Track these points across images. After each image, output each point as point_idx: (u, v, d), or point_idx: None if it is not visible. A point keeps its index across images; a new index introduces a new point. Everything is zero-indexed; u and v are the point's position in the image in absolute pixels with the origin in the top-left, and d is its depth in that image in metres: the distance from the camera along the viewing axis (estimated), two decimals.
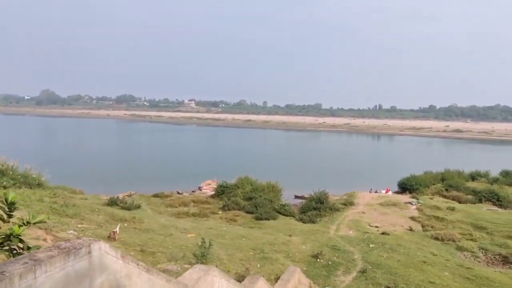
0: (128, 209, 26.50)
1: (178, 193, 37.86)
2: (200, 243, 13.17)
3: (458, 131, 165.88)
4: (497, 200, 33.05)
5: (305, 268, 16.15)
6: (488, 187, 35.87)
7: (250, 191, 32.94)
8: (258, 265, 16.07)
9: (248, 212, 28.11)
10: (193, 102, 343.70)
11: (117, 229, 18.11)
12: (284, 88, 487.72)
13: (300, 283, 12.85)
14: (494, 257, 20.47)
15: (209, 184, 42.36)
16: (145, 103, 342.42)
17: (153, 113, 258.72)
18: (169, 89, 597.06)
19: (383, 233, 23.03)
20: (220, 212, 29.01)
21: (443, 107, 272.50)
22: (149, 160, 70.03)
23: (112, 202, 27.60)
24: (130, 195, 33.54)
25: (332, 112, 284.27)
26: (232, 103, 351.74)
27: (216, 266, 12.99)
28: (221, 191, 33.60)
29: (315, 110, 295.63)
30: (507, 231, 23.91)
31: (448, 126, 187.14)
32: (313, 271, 16.25)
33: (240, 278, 9.35)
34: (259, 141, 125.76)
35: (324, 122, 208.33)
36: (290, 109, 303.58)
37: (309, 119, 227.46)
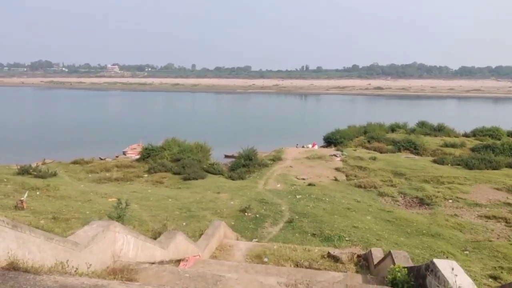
0: (42, 177, 24.41)
1: (101, 159, 35.58)
2: (116, 204, 12.10)
3: (379, 88, 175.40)
4: (414, 149, 35.33)
5: (232, 223, 15.83)
6: (406, 137, 38.15)
7: (178, 153, 31.86)
8: (184, 224, 15.46)
9: (175, 174, 27.19)
10: (116, 66, 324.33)
11: (25, 197, 16.34)
12: (213, 50, 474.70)
13: (226, 237, 12.42)
14: (412, 200, 21.80)
15: (134, 148, 40.32)
16: (63, 69, 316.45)
17: (73, 79, 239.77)
18: (90, 53, 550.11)
19: (309, 185, 23.47)
20: (146, 175, 27.73)
21: (365, 66, 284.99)
22: (69, 127, 65.14)
23: (24, 171, 25.28)
24: (44, 163, 30.78)
25: (261, 74, 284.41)
26: (159, 66, 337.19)
27: (134, 227, 12.07)
28: (147, 154, 32.10)
29: (245, 72, 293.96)
30: (422, 176, 25.64)
31: (370, 84, 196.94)
32: (241, 224, 16.01)
33: (156, 236, 8.55)
34: (188, 104, 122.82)
35: (254, 84, 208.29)
36: (219, 72, 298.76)
37: (239, 82, 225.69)
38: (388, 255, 8.05)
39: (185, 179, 25.74)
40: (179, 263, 8.14)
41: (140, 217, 16.02)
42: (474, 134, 42.03)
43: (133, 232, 6.73)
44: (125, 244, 6.29)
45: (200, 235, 11.58)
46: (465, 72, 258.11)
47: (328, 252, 10.61)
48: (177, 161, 29.73)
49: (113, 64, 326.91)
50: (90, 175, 28.46)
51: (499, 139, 37.43)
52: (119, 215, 11.70)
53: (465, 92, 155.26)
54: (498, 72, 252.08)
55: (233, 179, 26.45)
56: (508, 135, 40.10)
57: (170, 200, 19.79)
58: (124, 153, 39.85)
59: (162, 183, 25.27)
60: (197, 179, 25.73)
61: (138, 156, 34.27)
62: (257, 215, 17.12)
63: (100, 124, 69.20)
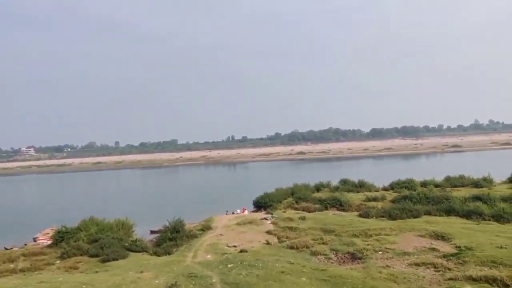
0: None
1: (6, 249, 31.35)
2: None
3: (301, 153, 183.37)
4: (340, 205, 36.07)
5: None
6: (331, 195, 39.04)
7: (96, 233, 29.08)
8: None
9: (92, 256, 24.53)
10: (32, 149, 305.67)
11: None
12: (137, 126, 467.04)
13: None
14: (344, 256, 21.62)
15: (47, 233, 36.17)
16: None
17: None
18: (1, 137, 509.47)
19: (241, 251, 22.44)
20: (58, 261, 24.59)
21: (287, 133, 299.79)
22: None
23: None
24: None
25: (188, 147, 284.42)
26: (80, 146, 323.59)
27: None
28: (60, 238, 28.87)
29: (171, 146, 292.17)
30: (351, 230, 25.84)
31: (292, 149, 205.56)
32: None
33: None
34: (109, 182, 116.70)
35: (181, 157, 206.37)
36: (145, 147, 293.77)
37: (165, 155, 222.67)
38: None
39: (103, 261, 23.20)
40: None
41: None
42: (392, 187, 44.41)
43: None
44: None
45: None
46: (376, 134, 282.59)
47: None
48: (95, 242, 26.95)
49: (28, 147, 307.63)
50: None
51: (415, 190, 39.82)
52: None
53: (378, 152, 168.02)
54: (404, 132, 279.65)
55: (158, 255, 24.41)
56: (422, 185, 42.92)
57: (84, 287, 17.37)
58: (34, 240, 35.56)
59: (76, 269, 22.45)
60: (117, 259, 23.31)
61: (50, 242, 30.68)
62: None
63: (6, 212, 62.20)
